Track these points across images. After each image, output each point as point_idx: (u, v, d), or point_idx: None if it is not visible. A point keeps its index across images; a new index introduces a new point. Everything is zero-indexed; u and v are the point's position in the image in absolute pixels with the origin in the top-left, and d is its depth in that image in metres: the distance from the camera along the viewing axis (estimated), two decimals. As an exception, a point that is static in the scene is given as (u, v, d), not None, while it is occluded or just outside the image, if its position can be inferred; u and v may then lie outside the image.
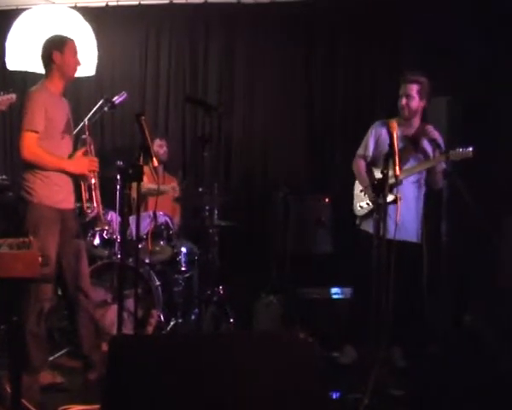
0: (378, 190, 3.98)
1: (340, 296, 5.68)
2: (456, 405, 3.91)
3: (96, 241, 5.36)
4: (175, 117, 6.91)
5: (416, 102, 4.99)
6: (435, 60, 6.26)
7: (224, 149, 6.81)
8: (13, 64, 5.69)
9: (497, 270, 5.64)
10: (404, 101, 4.99)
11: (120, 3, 6.85)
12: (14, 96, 4.77)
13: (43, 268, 3.17)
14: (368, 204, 5.08)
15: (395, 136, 3.93)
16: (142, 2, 6.84)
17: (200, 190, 5.49)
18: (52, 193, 4.26)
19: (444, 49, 6.25)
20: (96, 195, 4.50)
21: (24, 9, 5.94)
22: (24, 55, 5.55)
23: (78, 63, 4.45)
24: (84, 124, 4.44)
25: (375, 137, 5.17)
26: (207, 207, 5.32)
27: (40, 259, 3.11)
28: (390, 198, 4.85)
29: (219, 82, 6.86)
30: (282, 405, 2.63)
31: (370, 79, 6.56)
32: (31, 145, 4.16)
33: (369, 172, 5.19)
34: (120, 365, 2.65)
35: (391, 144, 3.91)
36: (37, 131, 4.16)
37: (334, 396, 4.31)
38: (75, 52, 4.41)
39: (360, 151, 5.26)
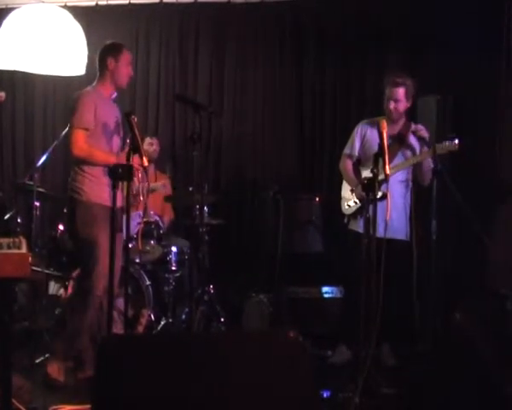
0: (368, 188, 3.98)
1: (330, 295, 5.70)
2: (445, 403, 3.93)
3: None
4: (165, 116, 6.91)
5: (403, 105, 5.03)
6: (424, 59, 6.29)
7: (213, 148, 6.81)
8: (1, 63, 5.67)
9: (486, 269, 5.67)
10: (392, 105, 5.01)
11: (110, 2, 6.84)
12: (3, 94, 4.75)
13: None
14: (355, 202, 5.10)
15: (385, 135, 3.95)
16: (132, 2, 6.83)
17: (190, 189, 5.49)
18: (100, 191, 4.37)
19: (433, 47, 6.27)
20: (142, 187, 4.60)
21: (13, 8, 5.91)
22: (13, 54, 5.52)
23: (130, 74, 4.65)
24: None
25: (361, 137, 5.21)
26: (197, 206, 5.32)
27: (30, 259, 3.11)
28: (379, 194, 4.89)
29: (209, 81, 6.86)
30: (271, 404, 2.64)
31: (359, 79, 6.57)
32: (79, 142, 4.33)
33: (357, 172, 5.21)
34: (110, 364, 2.64)
35: (381, 143, 3.92)
36: (86, 129, 4.34)
37: (324, 395, 4.32)
38: (129, 63, 4.64)
39: (346, 151, 5.29)
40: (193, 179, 5.16)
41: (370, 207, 4.01)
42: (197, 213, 5.33)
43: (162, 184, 6.19)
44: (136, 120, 4.02)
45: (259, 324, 5.70)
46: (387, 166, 3.88)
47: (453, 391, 3.89)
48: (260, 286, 5.98)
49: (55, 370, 4.39)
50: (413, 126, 5.06)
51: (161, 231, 5.75)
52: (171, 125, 6.91)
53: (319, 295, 5.72)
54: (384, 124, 3.97)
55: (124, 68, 4.57)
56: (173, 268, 5.83)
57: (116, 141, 4.55)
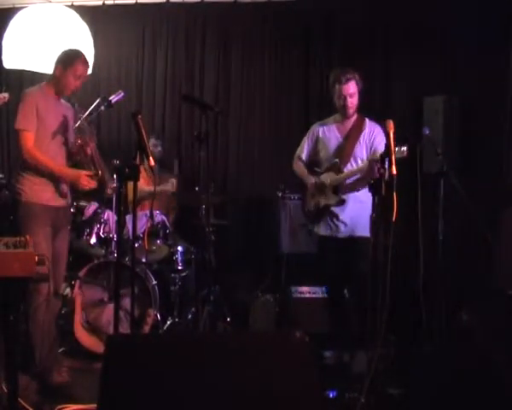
0: (374, 189, 3.96)
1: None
2: (451, 403, 3.92)
3: (93, 240, 5.36)
4: (171, 116, 6.90)
5: (357, 98, 4.95)
6: (431, 59, 6.27)
7: (220, 148, 6.81)
8: (9, 63, 5.69)
9: (492, 269, 5.65)
10: (348, 101, 4.90)
11: (117, 2, 6.84)
12: (6, 95, 4.78)
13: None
14: (316, 205, 5.03)
15: (391, 135, 3.91)
16: (138, 1, 6.83)
17: (197, 189, 5.49)
18: (39, 191, 4.38)
19: (440, 48, 6.26)
20: (98, 161, 4.53)
21: (21, 8, 5.93)
22: (20, 54, 5.54)
23: (76, 86, 4.52)
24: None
25: (312, 139, 5.16)
26: (204, 207, 5.32)
27: (36, 258, 3.11)
28: (335, 200, 4.86)
29: (216, 81, 6.85)
30: (277, 404, 2.64)
31: (366, 80, 6.54)
32: (30, 147, 4.30)
33: (314, 173, 5.12)
34: (117, 364, 2.65)
35: (388, 144, 3.89)
36: (31, 130, 4.30)
37: (330, 395, 4.32)
38: (79, 76, 4.48)
39: (297, 152, 5.27)
40: (199, 179, 5.17)
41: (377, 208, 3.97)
42: (203, 213, 5.33)
43: (170, 183, 6.17)
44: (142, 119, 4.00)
45: (265, 324, 5.70)
46: (394, 167, 3.84)
47: (459, 392, 3.89)
48: (266, 286, 5.99)
49: (55, 377, 4.36)
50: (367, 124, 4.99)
51: (167, 231, 5.75)
52: (178, 125, 6.91)
53: (325, 296, 5.71)
54: (391, 124, 3.92)
55: (70, 79, 4.44)
56: (179, 268, 5.84)
57: (58, 141, 4.48)
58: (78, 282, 5.19)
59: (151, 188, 5.74)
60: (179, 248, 5.86)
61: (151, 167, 3.94)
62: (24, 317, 4.29)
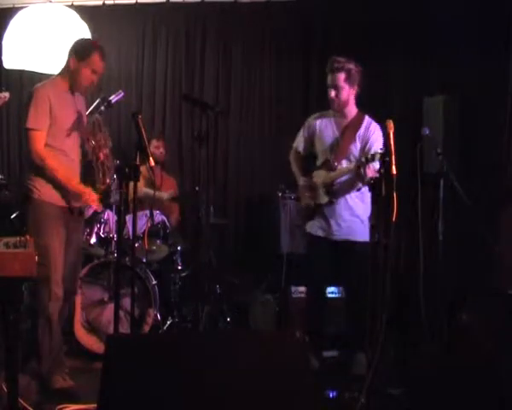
0: (374, 188, 3.95)
1: (335, 295, 5.68)
2: (451, 403, 3.92)
3: (93, 239, 5.36)
4: (172, 116, 6.91)
5: (346, 92, 4.70)
6: (430, 58, 6.27)
7: (220, 147, 6.81)
8: (9, 63, 5.69)
9: (493, 270, 5.66)
10: (332, 93, 4.70)
11: (117, 2, 6.83)
12: (7, 94, 4.75)
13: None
14: (307, 204, 4.96)
15: (391, 135, 3.89)
16: (138, 1, 6.83)
17: (197, 189, 5.50)
18: (53, 191, 4.26)
19: (440, 47, 6.26)
20: (109, 169, 4.40)
21: (21, 8, 5.93)
22: (20, 54, 5.54)
23: (92, 82, 4.38)
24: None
25: (308, 132, 4.99)
26: (204, 206, 5.32)
27: (37, 258, 3.11)
28: (325, 200, 4.81)
29: (216, 81, 6.85)
30: (276, 403, 2.64)
31: (366, 79, 6.53)
32: (39, 149, 4.16)
33: (307, 171, 5.07)
34: (117, 364, 2.65)
35: (387, 144, 3.87)
36: (43, 130, 4.16)
37: (330, 395, 4.32)
38: (95, 70, 4.33)
39: (294, 144, 5.10)
40: (199, 179, 5.17)
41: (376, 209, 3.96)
42: (203, 212, 5.33)
43: (169, 194, 6.17)
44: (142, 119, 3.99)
45: (265, 323, 5.70)
46: (394, 167, 3.81)
47: (459, 391, 3.89)
48: (266, 286, 5.99)
49: (59, 381, 4.31)
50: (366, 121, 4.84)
51: (168, 231, 5.75)
52: (178, 125, 6.91)
53: (326, 296, 5.71)
54: (391, 124, 3.90)
55: (86, 73, 4.30)
56: (179, 268, 5.85)
57: (74, 138, 4.34)
58: (79, 282, 5.18)
59: (151, 190, 5.75)
60: (179, 248, 5.86)
61: (151, 168, 3.93)
62: (26, 317, 4.29)
